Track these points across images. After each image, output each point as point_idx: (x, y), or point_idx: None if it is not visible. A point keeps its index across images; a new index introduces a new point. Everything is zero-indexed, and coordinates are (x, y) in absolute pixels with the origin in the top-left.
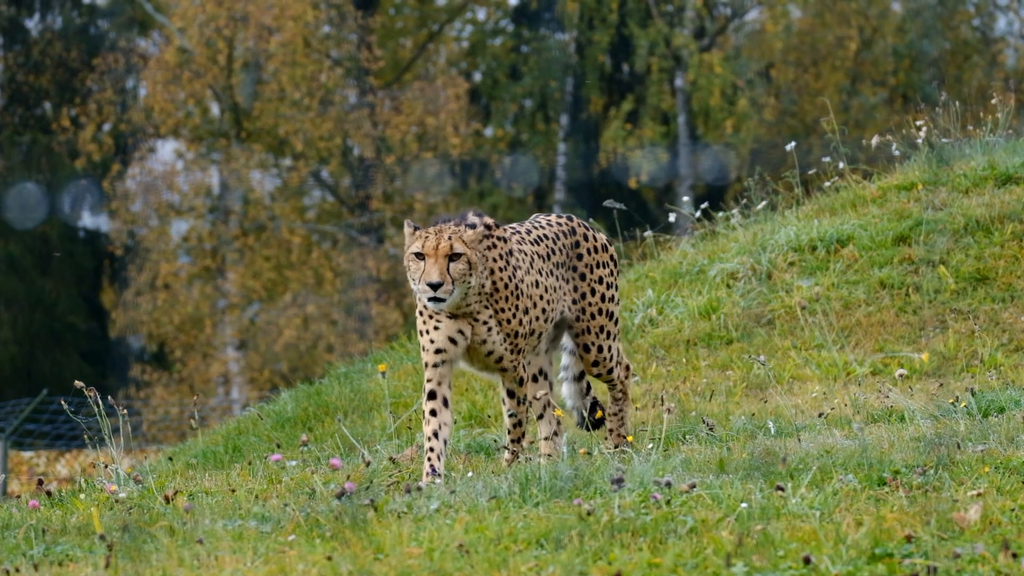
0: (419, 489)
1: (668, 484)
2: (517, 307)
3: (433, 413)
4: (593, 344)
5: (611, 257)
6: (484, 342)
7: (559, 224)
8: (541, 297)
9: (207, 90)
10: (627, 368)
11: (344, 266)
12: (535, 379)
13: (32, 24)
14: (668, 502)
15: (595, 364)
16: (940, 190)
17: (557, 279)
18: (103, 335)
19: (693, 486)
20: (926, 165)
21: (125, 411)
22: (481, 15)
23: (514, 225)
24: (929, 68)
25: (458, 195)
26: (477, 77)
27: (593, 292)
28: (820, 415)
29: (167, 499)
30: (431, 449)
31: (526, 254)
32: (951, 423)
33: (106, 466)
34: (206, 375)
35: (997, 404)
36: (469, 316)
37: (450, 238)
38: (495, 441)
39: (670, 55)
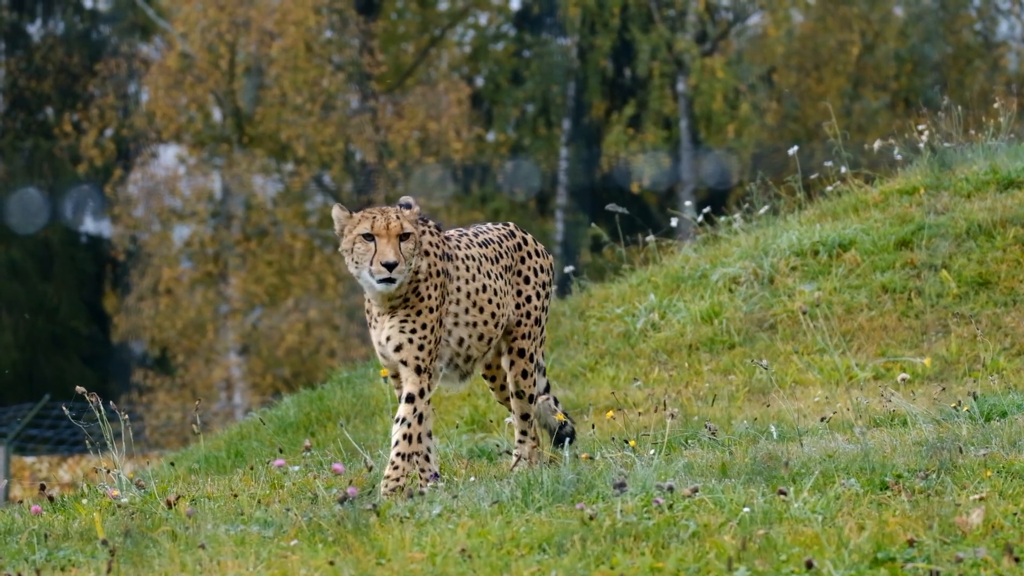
0: (421, 494)
1: (670, 488)
2: (438, 301)
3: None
4: (526, 351)
5: (550, 266)
6: (389, 338)
7: (499, 229)
8: (490, 301)
9: (209, 95)
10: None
11: (346, 271)
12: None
13: (34, 29)
14: (670, 506)
15: (524, 374)
16: (942, 194)
17: (506, 283)
18: (105, 340)
19: (695, 490)
20: (928, 169)
21: (127, 416)
22: (483, 20)
23: (461, 229)
24: (931, 72)
25: (460, 200)
26: (479, 82)
27: (538, 296)
28: (822, 419)
29: (169, 504)
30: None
31: (474, 259)
32: (953, 427)
33: (108, 471)
34: (208, 380)
35: (999, 408)
36: (387, 314)
37: (398, 217)
38: (497, 446)
39: (672, 60)
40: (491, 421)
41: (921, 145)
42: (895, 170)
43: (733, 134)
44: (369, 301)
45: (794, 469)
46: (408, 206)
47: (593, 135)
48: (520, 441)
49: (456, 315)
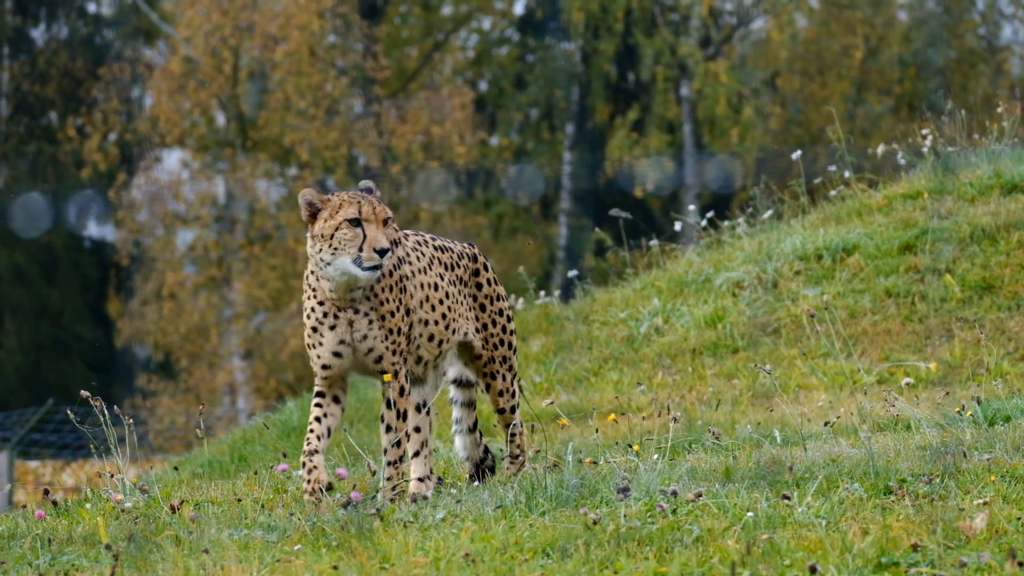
0: (425, 498)
1: (674, 493)
2: (400, 301)
3: (318, 406)
4: (498, 373)
5: (503, 293)
6: (365, 337)
7: (462, 247)
8: (441, 302)
9: (213, 100)
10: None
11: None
12: (417, 409)
13: (37, 34)
14: (674, 511)
15: (501, 394)
16: (946, 199)
17: (459, 293)
18: (109, 345)
19: (699, 495)
20: (932, 174)
21: (131, 421)
22: (486, 24)
23: (419, 231)
24: (935, 77)
25: (463, 204)
26: (483, 86)
27: (494, 323)
28: (826, 424)
29: (173, 509)
30: (308, 441)
31: (423, 255)
32: (957, 432)
33: (112, 476)
34: (212, 384)
35: (1003, 413)
36: (351, 308)
37: (381, 202)
38: (501, 450)
39: (676, 64)
40: (495, 426)
41: (925, 149)
42: (899, 174)
43: (737, 138)
44: (315, 298)
45: (798, 474)
46: (370, 190)
47: (597, 139)
48: (510, 441)
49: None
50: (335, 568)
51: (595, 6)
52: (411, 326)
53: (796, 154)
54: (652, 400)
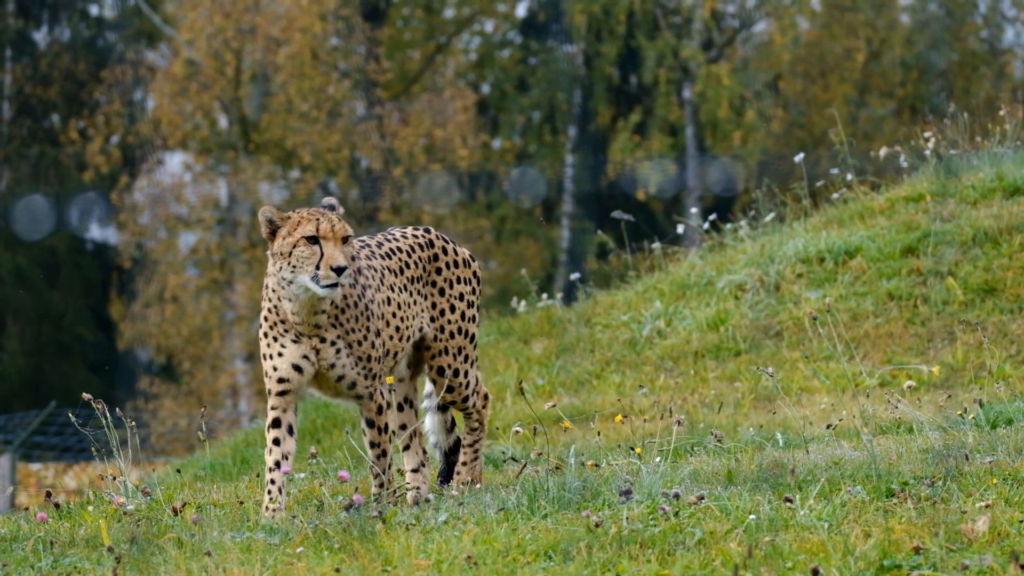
0: (427, 501)
1: (676, 496)
2: (368, 328)
3: (276, 442)
4: (449, 367)
5: (474, 273)
6: (333, 366)
7: (415, 237)
8: (394, 315)
9: (215, 102)
10: (485, 397)
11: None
12: (400, 408)
13: (40, 36)
14: (676, 514)
15: (450, 390)
16: (948, 201)
17: (411, 294)
18: (111, 347)
19: (701, 498)
20: (934, 176)
21: (133, 423)
22: (489, 27)
23: (364, 238)
24: (937, 80)
25: (466, 207)
26: (485, 89)
27: (453, 309)
28: (828, 427)
29: (175, 511)
30: (271, 481)
31: (376, 270)
32: (959, 435)
33: (114, 478)
34: (214, 387)
35: (1005, 416)
36: (316, 336)
37: (340, 219)
38: (503, 453)
39: (678, 67)
40: (497, 428)
41: (927, 152)
42: (901, 177)
43: (739, 141)
44: (275, 316)
45: (800, 476)
46: (332, 207)
47: (599, 142)
48: (467, 416)
49: None
50: (337, 571)
51: (597, 9)
52: (383, 345)
53: (798, 157)
54: (654, 403)
